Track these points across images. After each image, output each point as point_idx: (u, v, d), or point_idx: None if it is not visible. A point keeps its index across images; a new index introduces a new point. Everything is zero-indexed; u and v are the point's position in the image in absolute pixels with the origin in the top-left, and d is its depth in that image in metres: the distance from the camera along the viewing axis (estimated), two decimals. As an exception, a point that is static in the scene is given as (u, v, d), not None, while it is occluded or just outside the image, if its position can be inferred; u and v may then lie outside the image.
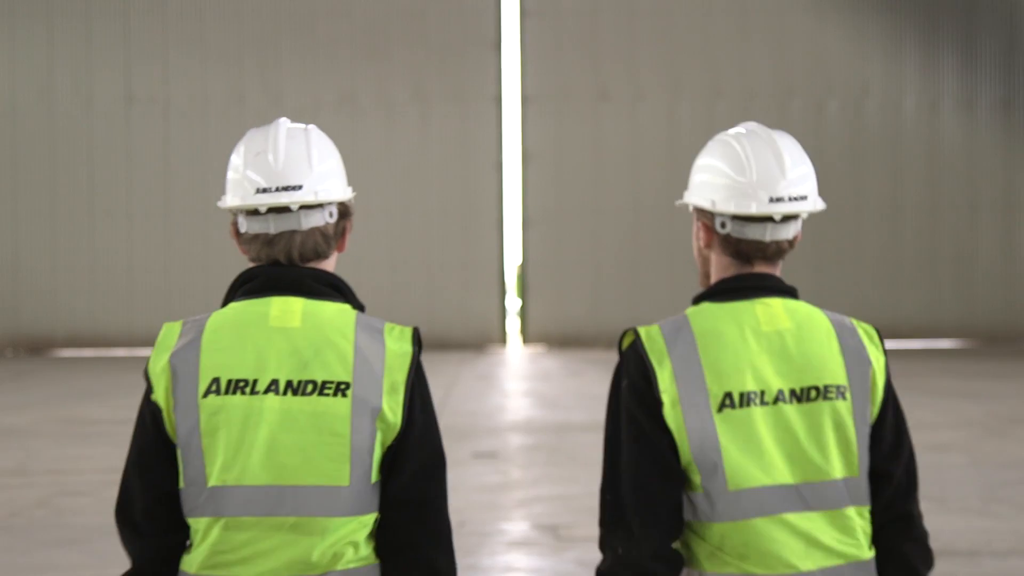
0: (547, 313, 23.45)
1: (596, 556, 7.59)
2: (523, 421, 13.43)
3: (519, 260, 23.80)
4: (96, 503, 9.16)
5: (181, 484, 2.42)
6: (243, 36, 23.40)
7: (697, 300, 2.57)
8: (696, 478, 2.41)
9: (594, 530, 7.97)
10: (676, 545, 2.45)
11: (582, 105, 23.44)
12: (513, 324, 24.24)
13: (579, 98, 23.44)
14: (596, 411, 13.59)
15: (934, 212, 23.72)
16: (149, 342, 25.12)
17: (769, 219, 2.52)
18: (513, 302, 24.23)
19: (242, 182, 2.51)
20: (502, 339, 23.51)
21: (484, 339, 23.25)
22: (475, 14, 23.36)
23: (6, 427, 13.23)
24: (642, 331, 2.47)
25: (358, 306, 2.51)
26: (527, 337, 23.61)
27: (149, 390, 2.48)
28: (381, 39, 23.36)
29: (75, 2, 23.39)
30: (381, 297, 21.47)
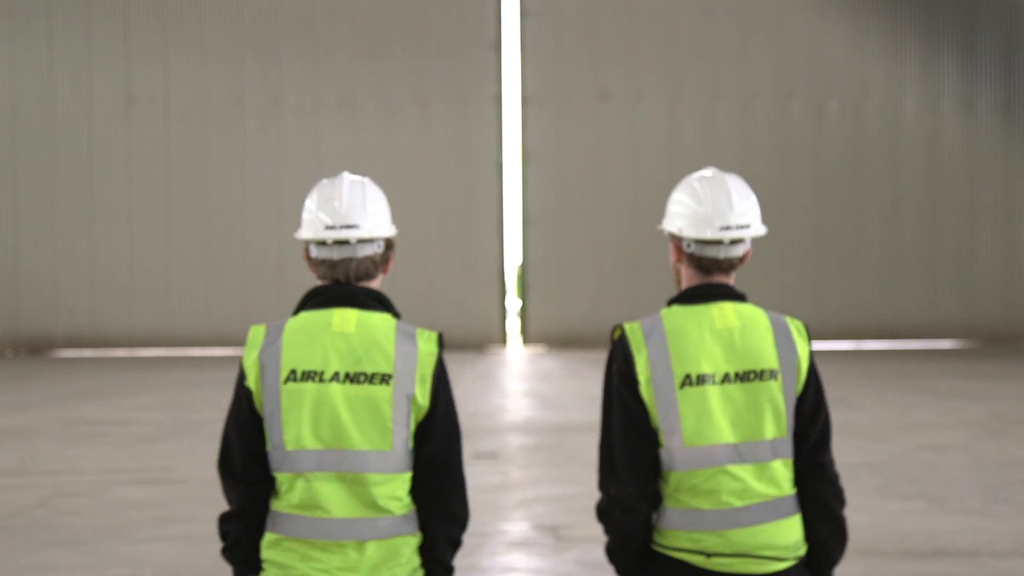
0: (547, 313, 23.45)
1: (596, 557, 7.59)
2: (523, 422, 13.42)
3: (519, 260, 23.80)
4: (96, 503, 9.16)
5: (268, 447, 3.23)
6: (243, 36, 23.40)
7: (670, 303, 3.35)
8: (662, 437, 3.21)
9: (594, 531, 7.92)
10: (654, 488, 3.25)
11: (582, 105, 23.44)
12: (513, 324, 24.24)
13: (579, 98, 23.44)
14: (596, 412, 13.59)
15: (934, 213, 23.72)
16: (149, 342, 25.28)
17: (720, 242, 3.30)
18: (513, 302, 24.23)
19: (314, 220, 3.29)
20: (502, 339, 23.51)
21: (484, 339, 23.25)
22: (475, 14, 23.36)
23: (6, 427, 13.23)
24: (627, 327, 3.28)
25: (396, 315, 3.33)
26: (527, 337, 23.61)
27: (243, 377, 3.27)
28: (381, 39, 23.36)
29: (75, 3, 23.39)
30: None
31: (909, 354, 21.76)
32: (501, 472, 10.24)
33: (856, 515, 8.61)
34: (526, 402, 15.46)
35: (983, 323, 23.74)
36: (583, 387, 16.49)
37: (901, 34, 23.65)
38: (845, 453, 11.16)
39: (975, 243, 23.78)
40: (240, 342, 23.45)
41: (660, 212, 23.15)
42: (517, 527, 8.36)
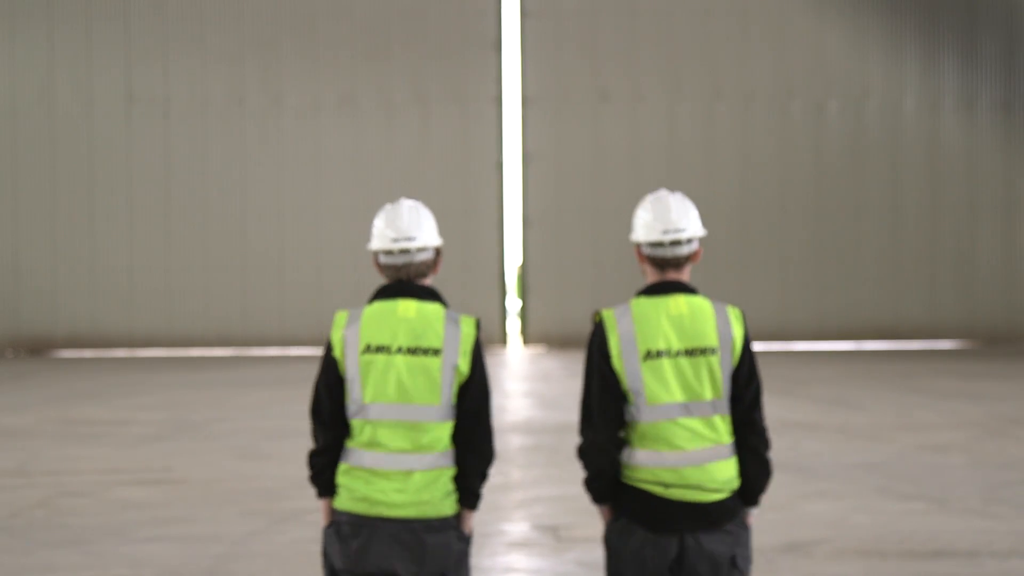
0: (547, 313, 23.45)
1: (596, 557, 7.59)
2: (523, 422, 13.43)
3: (519, 260, 23.80)
4: (96, 504, 9.16)
5: (348, 400, 4.28)
6: (243, 37, 23.40)
7: (638, 294, 4.34)
8: (631, 397, 4.22)
9: (594, 531, 7.95)
10: (621, 435, 4.27)
11: (582, 105, 23.44)
12: (513, 325, 24.25)
13: (579, 98, 23.44)
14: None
15: (934, 213, 23.72)
16: (149, 342, 25.24)
17: (663, 243, 4.30)
18: (513, 303, 24.23)
19: (383, 235, 4.38)
20: (502, 340, 23.51)
21: (484, 340, 23.24)
22: (475, 14, 23.36)
23: (6, 428, 13.23)
24: (604, 313, 4.29)
25: (445, 304, 4.36)
26: (527, 338, 23.61)
27: (330, 349, 4.29)
28: (381, 39, 23.36)
29: (75, 3, 23.39)
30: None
31: (909, 354, 21.76)
32: (501, 472, 10.24)
33: (856, 515, 8.62)
34: (526, 402, 15.46)
35: (983, 323, 23.73)
36: (583, 387, 16.46)
37: (901, 34, 23.64)
38: (845, 453, 11.16)
39: (975, 243, 23.78)
40: (240, 342, 23.47)
41: (660, 212, 23.31)
42: (517, 527, 8.36)
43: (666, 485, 4.19)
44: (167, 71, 23.45)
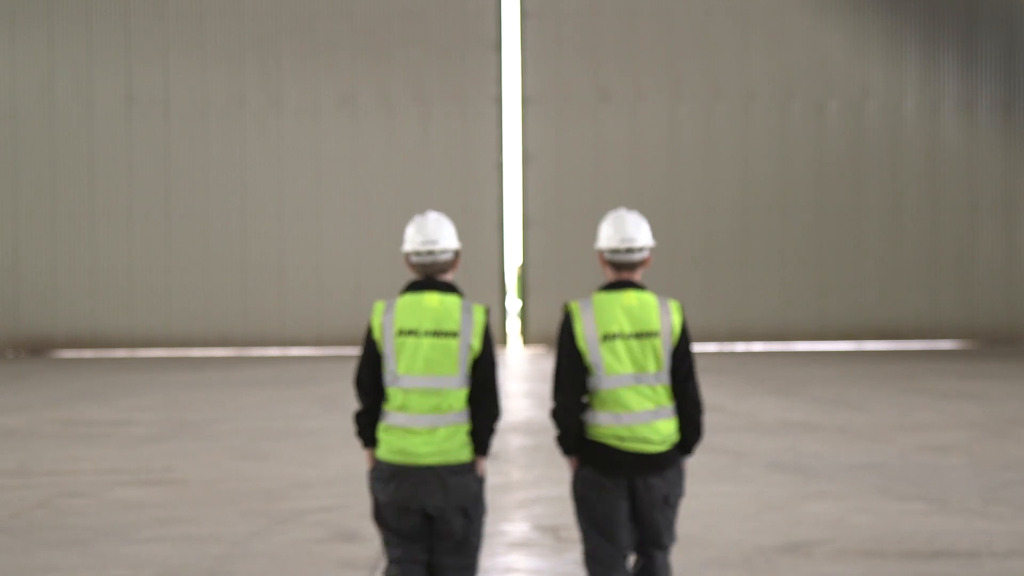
0: (547, 314, 23.45)
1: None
2: (524, 422, 13.42)
3: (519, 260, 23.80)
4: (96, 504, 9.16)
5: (384, 372, 5.39)
6: (243, 37, 23.40)
7: (598, 290, 5.41)
8: (592, 370, 5.33)
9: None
10: (584, 400, 5.39)
11: (582, 105, 23.44)
12: (513, 325, 24.25)
13: (579, 98, 23.44)
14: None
15: (934, 213, 23.72)
16: (149, 342, 25.19)
17: (619, 250, 5.41)
18: (513, 303, 24.23)
19: (414, 239, 5.46)
20: (502, 340, 23.51)
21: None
22: (475, 14, 23.35)
23: (7, 428, 13.23)
24: (571, 304, 5.40)
25: (462, 295, 5.46)
26: (527, 338, 23.61)
27: (370, 332, 5.40)
28: (381, 39, 23.36)
29: (76, 3, 23.39)
30: (382, 296, 21.46)
31: (909, 355, 21.76)
32: (502, 472, 10.24)
33: (856, 515, 8.62)
34: (526, 402, 15.46)
35: (983, 323, 23.73)
36: (583, 387, 16.45)
37: (901, 35, 23.63)
38: (845, 453, 11.17)
39: (975, 244, 23.78)
40: (240, 342, 23.47)
41: (660, 212, 23.23)
42: (517, 527, 8.37)
43: (621, 438, 5.32)
44: (167, 71, 23.45)
